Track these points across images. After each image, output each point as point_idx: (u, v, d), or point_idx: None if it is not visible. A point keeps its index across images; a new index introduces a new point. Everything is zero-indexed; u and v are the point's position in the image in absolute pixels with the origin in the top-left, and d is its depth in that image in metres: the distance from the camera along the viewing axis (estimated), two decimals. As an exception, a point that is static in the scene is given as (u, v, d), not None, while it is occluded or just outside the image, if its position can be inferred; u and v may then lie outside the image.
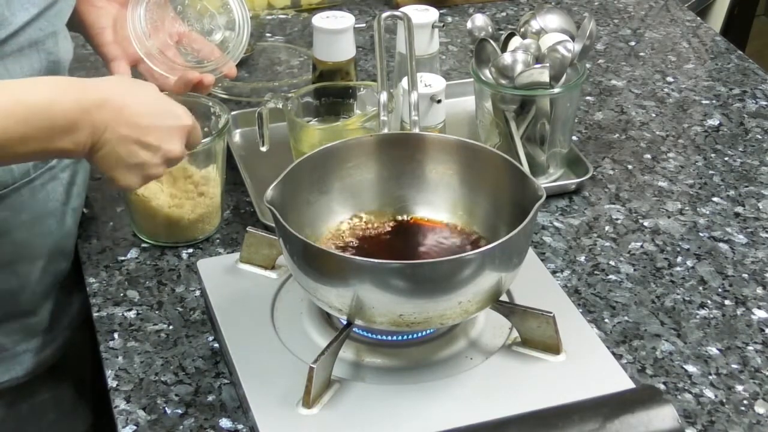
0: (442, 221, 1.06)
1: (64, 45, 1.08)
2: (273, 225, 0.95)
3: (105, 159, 0.94)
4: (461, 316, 0.93)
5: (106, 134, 0.92)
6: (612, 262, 1.14)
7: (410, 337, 0.97)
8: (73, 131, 0.91)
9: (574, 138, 1.34)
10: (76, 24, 1.18)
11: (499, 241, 0.90)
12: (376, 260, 0.89)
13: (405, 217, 1.06)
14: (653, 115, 1.41)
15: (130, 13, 1.16)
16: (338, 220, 1.05)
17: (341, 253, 0.91)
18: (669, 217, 1.21)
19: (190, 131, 0.99)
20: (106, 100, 0.92)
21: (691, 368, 1.00)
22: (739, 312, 1.07)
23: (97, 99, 0.92)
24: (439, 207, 1.06)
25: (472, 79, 1.27)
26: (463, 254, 0.91)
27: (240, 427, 0.94)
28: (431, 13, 1.29)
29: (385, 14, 1.11)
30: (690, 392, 0.98)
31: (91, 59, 1.52)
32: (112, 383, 0.99)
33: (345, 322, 0.94)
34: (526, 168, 1.16)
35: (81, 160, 1.12)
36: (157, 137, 0.95)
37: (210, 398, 0.97)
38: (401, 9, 1.22)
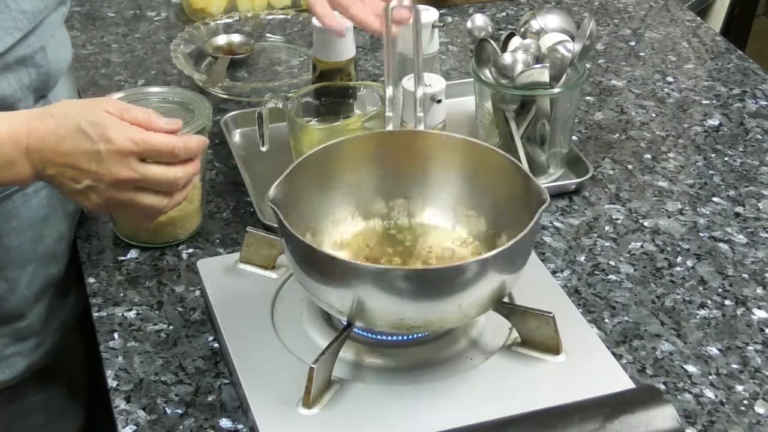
0: (445, 218, 1.05)
1: (55, 56, 1.08)
2: (273, 225, 0.95)
3: (61, 189, 0.96)
4: (462, 321, 0.93)
5: (47, 170, 0.94)
6: (612, 262, 1.14)
7: (411, 337, 0.97)
8: (12, 166, 0.93)
9: (574, 138, 1.34)
10: None
11: (502, 248, 0.89)
12: (378, 266, 0.89)
13: (408, 213, 1.06)
14: (653, 115, 1.41)
15: None
16: (341, 217, 1.05)
17: (344, 258, 0.90)
18: (669, 217, 1.21)
19: (137, 153, 0.93)
20: (34, 141, 0.93)
21: (691, 368, 1.00)
22: (739, 312, 1.07)
23: (28, 139, 0.93)
24: (442, 204, 1.06)
25: (472, 79, 1.26)
26: (465, 261, 0.90)
27: (240, 427, 0.94)
28: (431, 13, 1.29)
29: (393, 2, 1.11)
30: (690, 392, 0.98)
31: (91, 59, 1.52)
32: (112, 383, 0.99)
33: (345, 323, 0.94)
34: (525, 168, 1.16)
35: None
36: (91, 162, 0.93)
37: (210, 398, 0.97)
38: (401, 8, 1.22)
